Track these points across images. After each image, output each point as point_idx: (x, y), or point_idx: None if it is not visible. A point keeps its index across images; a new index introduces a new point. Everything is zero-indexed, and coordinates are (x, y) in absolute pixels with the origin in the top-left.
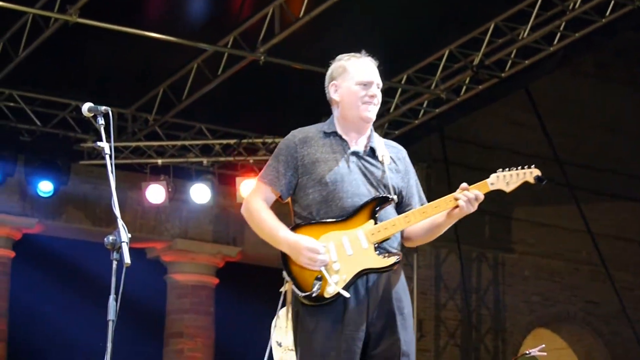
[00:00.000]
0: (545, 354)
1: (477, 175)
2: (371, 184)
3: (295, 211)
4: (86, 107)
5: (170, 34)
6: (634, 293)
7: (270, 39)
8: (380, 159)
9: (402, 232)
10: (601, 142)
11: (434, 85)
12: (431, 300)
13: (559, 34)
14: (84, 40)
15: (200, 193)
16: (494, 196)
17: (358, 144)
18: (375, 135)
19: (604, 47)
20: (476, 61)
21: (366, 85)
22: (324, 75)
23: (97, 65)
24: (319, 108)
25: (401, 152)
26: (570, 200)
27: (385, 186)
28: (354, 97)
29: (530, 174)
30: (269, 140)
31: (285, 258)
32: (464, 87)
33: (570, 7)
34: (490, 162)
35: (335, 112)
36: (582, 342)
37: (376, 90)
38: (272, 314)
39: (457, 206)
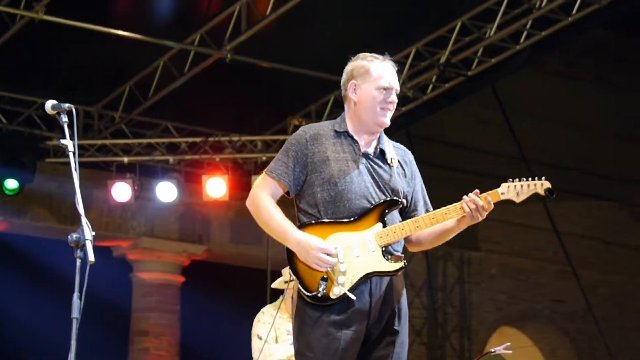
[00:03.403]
0: (510, 352)
1: (443, 173)
2: (379, 187)
3: (300, 207)
4: (49, 104)
5: (136, 31)
6: (599, 291)
7: (236, 37)
8: (389, 161)
9: (408, 237)
10: (568, 141)
11: (400, 83)
12: None
13: (525, 33)
14: (50, 37)
15: (166, 191)
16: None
17: (369, 146)
18: (385, 137)
19: (570, 45)
20: (443, 59)
21: (387, 90)
22: (290, 73)
23: (64, 62)
24: (285, 106)
25: (408, 155)
26: (536, 199)
27: (393, 190)
28: (373, 101)
29: (541, 185)
30: (235, 139)
31: (290, 255)
32: (431, 86)
33: (537, 5)
34: (456, 160)
35: (349, 110)
36: (547, 340)
37: (395, 97)
38: (239, 311)
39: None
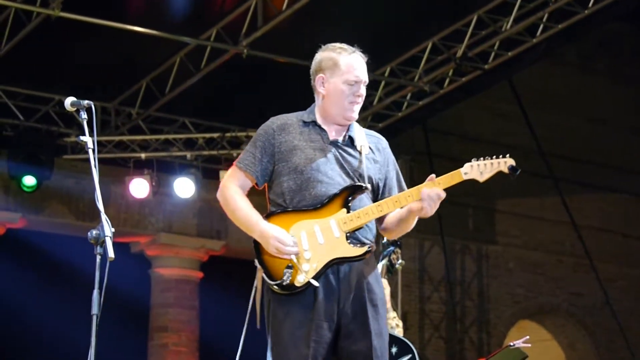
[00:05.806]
0: (529, 345)
1: (460, 166)
2: (347, 174)
3: (270, 198)
4: (69, 101)
5: (152, 27)
6: (617, 284)
7: (253, 32)
8: (358, 148)
9: (379, 224)
10: (584, 134)
11: (417, 77)
12: (415, 293)
13: (541, 26)
14: (67, 34)
15: (184, 187)
16: (477, 188)
17: (338, 134)
18: (356, 125)
19: (586, 38)
20: (459, 53)
21: (355, 84)
22: (307, 68)
23: (80, 59)
24: (302, 101)
25: (382, 142)
26: (553, 192)
27: (361, 176)
28: (341, 95)
29: (505, 163)
30: (253, 134)
31: (257, 246)
32: (447, 80)
33: None
34: (473, 154)
35: (318, 102)
36: (566, 334)
37: (363, 90)
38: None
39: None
